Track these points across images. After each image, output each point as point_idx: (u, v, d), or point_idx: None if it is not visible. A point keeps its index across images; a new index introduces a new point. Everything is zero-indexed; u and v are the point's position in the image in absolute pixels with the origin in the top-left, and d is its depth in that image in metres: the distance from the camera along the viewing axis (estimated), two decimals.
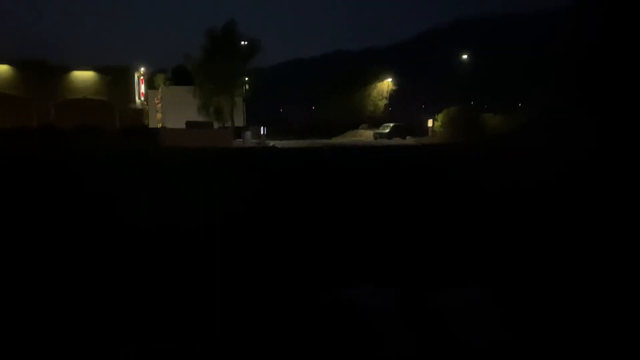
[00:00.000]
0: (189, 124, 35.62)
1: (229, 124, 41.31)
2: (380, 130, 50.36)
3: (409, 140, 45.72)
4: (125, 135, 32.44)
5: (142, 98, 46.90)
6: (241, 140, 37.97)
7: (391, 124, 51.39)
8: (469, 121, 35.71)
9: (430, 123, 45.53)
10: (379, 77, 62.09)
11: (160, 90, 47.14)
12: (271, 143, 36.56)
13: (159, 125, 41.09)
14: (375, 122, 56.55)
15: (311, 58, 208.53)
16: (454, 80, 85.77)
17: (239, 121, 45.26)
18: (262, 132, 40.03)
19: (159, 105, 44.01)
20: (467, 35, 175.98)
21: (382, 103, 61.86)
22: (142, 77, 47.06)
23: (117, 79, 42.98)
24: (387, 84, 62.27)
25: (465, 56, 62.72)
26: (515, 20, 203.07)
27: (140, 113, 45.79)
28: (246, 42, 40.65)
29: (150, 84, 49.50)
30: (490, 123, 34.28)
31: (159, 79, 50.72)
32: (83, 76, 42.76)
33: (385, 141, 45.03)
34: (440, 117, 40.42)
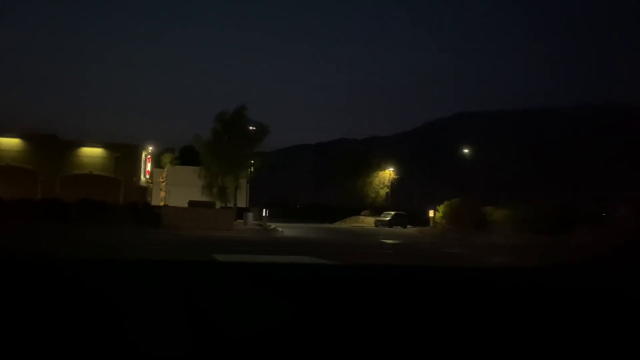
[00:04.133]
0: (191, 203, 35.81)
1: (232, 204, 41.48)
2: (382, 218, 50.50)
3: (410, 229, 45.69)
4: (128, 211, 32.46)
5: (148, 176, 47.51)
6: (242, 221, 37.90)
7: (392, 212, 51.62)
8: (471, 214, 35.79)
9: (431, 213, 45.70)
10: (381, 165, 63.30)
11: (166, 169, 47.88)
12: (272, 226, 36.45)
13: (162, 203, 41.28)
14: (376, 209, 56.87)
15: (317, 144, 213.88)
16: (455, 171, 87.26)
17: (242, 202, 45.51)
18: (264, 214, 40.04)
19: (164, 183, 44.50)
20: (467, 128, 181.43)
21: (384, 191, 62.55)
22: (149, 156, 47.98)
23: (124, 156, 43.73)
24: (389, 172, 63.35)
25: (466, 150, 64.22)
26: (515, 115, 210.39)
27: (145, 190, 46.14)
28: (254, 128, 41.86)
29: (157, 163, 50.36)
30: (493, 216, 34.34)
31: (166, 157, 51.68)
32: (91, 152, 43.54)
33: (386, 229, 45.01)
34: (441, 208, 40.60)
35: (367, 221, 52.38)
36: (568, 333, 2.24)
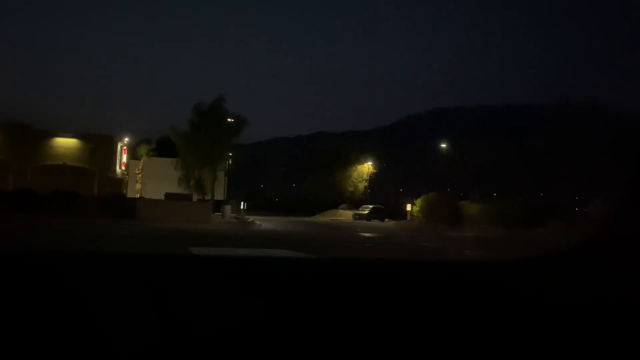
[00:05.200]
0: (167, 195, 35.43)
1: (209, 196, 41.14)
2: (360, 212, 50.79)
3: (387, 222, 46.07)
4: (102, 203, 31.94)
5: (123, 167, 46.77)
6: (220, 214, 37.67)
7: (370, 206, 51.96)
8: (447, 208, 36.26)
9: (409, 207, 46.16)
10: (360, 159, 63.59)
11: (142, 160, 47.22)
12: (250, 219, 36.33)
13: (138, 195, 40.69)
14: (354, 203, 57.16)
15: (295, 137, 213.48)
16: (432, 166, 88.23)
17: (220, 194, 45.15)
18: (242, 207, 39.85)
19: (140, 175, 43.85)
20: (444, 123, 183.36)
21: (362, 185, 62.91)
22: (124, 147, 47.22)
23: (99, 147, 42.97)
24: (367, 166, 63.69)
25: (443, 145, 64.96)
26: (490, 112, 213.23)
27: (120, 182, 45.44)
28: (233, 120, 41.49)
29: (133, 154, 49.59)
30: (468, 211, 34.87)
31: (142, 149, 50.88)
32: (65, 142, 42.66)
33: (364, 222, 45.30)
34: (418, 202, 41.03)
35: (346, 215, 52.62)
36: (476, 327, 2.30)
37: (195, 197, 39.13)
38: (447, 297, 2.50)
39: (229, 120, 41.65)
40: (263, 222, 34.82)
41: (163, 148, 48.44)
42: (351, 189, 62.07)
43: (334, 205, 56.71)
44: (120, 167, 46.11)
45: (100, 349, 1.98)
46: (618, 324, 2.33)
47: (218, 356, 2.05)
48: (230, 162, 45.12)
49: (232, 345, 2.08)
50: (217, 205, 39.42)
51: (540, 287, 2.64)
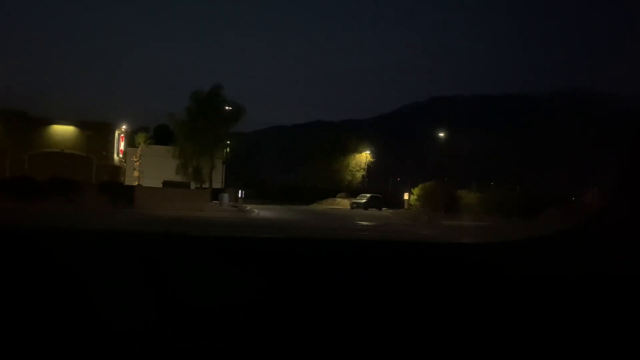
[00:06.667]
0: (165, 183, 35.46)
1: (207, 184, 41.18)
2: (357, 200, 50.87)
3: (385, 211, 46.21)
4: (100, 191, 31.92)
5: (121, 155, 46.70)
6: (218, 202, 37.72)
7: (368, 195, 52.03)
8: (444, 197, 36.35)
9: (406, 196, 46.23)
10: (358, 148, 63.57)
11: (139, 148, 47.17)
12: (248, 207, 36.42)
13: (135, 183, 40.69)
14: (352, 191, 57.24)
15: (293, 125, 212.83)
16: (430, 155, 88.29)
17: (217, 183, 45.19)
18: (240, 196, 39.92)
19: (137, 163, 43.84)
20: (442, 112, 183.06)
21: (360, 174, 62.96)
22: (122, 135, 47.11)
23: (97, 134, 42.86)
24: (365, 155, 63.70)
25: (441, 134, 64.91)
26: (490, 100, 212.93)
27: (118, 170, 45.40)
28: (230, 108, 41.41)
29: (131, 142, 49.51)
30: (466, 200, 34.96)
31: (140, 137, 50.82)
32: (62, 130, 42.54)
33: (361, 211, 45.43)
34: (416, 191, 41.10)
35: (343, 203, 52.71)
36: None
37: (193, 185, 39.18)
38: (434, 275, 2.56)
39: (226, 108, 41.58)
40: (261, 211, 34.92)
41: (161, 136, 48.40)
42: (349, 177, 62.12)
43: (332, 194, 56.76)
44: (117, 155, 46.04)
45: (98, 328, 2.02)
46: (599, 303, 2.40)
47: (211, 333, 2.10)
48: (228, 150, 45.10)
49: (225, 322, 2.13)
50: (215, 194, 39.47)
51: (521, 266, 2.71)
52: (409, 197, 44.37)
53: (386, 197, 53.29)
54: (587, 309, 2.36)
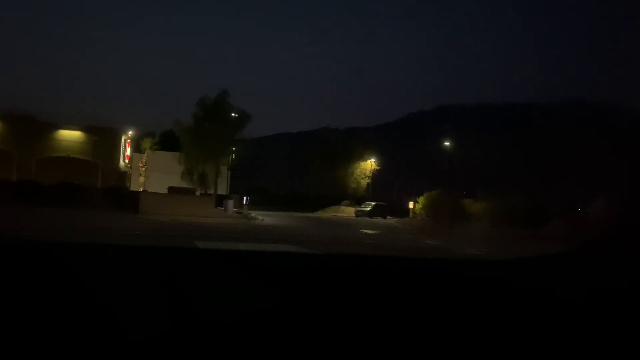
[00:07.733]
0: (171, 189, 35.52)
1: (212, 191, 41.23)
2: (362, 208, 50.83)
3: (390, 220, 46.12)
4: (106, 196, 32.11)
5: (127, 160, 46.90)
6: (222, 208, 37.72)
7: (373, 203, 51.99)
8: (449, 206, 36.26)
9: (411, 204, 46.14)
10: (363, 156, 63.56)
11: (145, 154, 47.37)
12: (252, 214, 36.43)
13: (141, 188, 40.79)
14: (357, 199, 57.20)
15: (298, 132, 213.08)
16: (435, 163, 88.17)
17: (222, 189, 45.22)
18: (244, 202, 39.93)
19: (143, 168, 43.99)
20: (448, 121, 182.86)
21: (365, 181, 62.91)
22: (128, 140, 47.36)
23: (103, 139, 43.13)
24: (370, 163, 63.66)
25: (446, 142, 64.80)
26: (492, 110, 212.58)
27: (124, 175, 45.58)
28: (236, 115, 41.51)
29: (137, 147, 49.75)
30: (471, 209, 34.85)
31: (146, 142, 51.07)
32: (69, 134, 42.82)
33: (366, 219, 45.35)
34: (421, 199, 41.04)
35: (348, 211, 52.66)
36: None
37: (198, 191, 39.22)
38: (447, 294, 2.56)
39: (232, 115, 41.68)
40: (265, 217, 34.92)
41: (167, 142, 48.54)
42: (354, 185, 62.07)
43: (337, 201, 56.74)
44: (123, 160, 46.24)
45: (109, 338, 2.04)
46: (610, 322, 2.39)
47: (223, 346, 2.11)
48: (233, 156, 45.17)
49: (236, 334, 2.14)
50: (220, 200, 39.50)
51: (537, 286, 2.71)
52: (414, 206, 44.30)
53: (391, 205, 53.20)
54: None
